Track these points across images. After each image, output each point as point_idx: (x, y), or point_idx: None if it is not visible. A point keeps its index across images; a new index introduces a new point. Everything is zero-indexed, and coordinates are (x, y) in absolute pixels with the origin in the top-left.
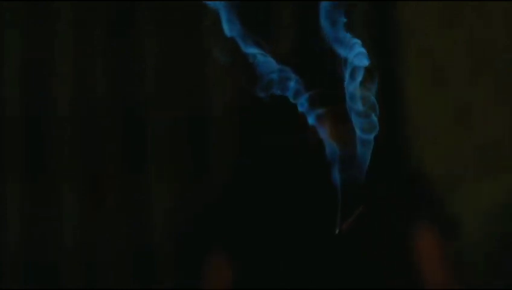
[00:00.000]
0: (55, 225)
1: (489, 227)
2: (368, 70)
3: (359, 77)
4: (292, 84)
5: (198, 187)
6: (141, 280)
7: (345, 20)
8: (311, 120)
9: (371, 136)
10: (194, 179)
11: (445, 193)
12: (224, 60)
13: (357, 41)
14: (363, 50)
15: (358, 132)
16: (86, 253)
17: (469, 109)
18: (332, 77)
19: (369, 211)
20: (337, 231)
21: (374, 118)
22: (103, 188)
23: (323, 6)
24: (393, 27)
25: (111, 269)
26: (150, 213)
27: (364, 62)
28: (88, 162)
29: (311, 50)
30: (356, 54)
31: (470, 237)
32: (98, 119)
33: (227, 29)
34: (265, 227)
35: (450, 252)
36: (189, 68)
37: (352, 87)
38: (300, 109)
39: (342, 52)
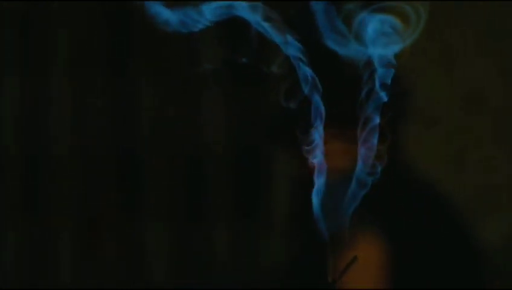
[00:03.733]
0: (51, 265)
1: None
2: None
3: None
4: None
5: (194, 228)
6: None
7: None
8: (316, 138)
9: (369, 180)
10: (190, 220)
11: None
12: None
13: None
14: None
15: (359, 171)
16: None
17: (465, 148)
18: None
19: None
20: (330, 281)
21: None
22: (100, 230)
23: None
24: None
25: None
26: (146, 253)
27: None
28: (84, 203)
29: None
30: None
31: None
32: (94, 160)
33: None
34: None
35: None
36: (185, 109)
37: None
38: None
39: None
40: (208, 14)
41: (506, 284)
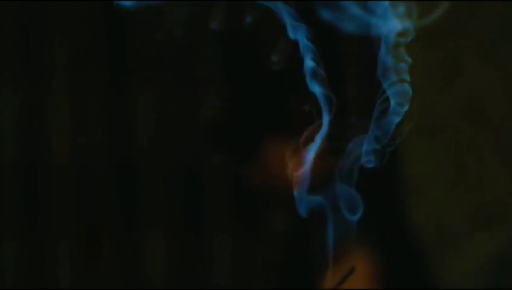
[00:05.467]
0: (49, 274)
1: (483, 282)
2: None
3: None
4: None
5: (193, 239)
6: None
7: None
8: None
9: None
10: (189, 231)
11: (439, 249)
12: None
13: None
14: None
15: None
16: None
17: (465, 159)
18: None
19: None
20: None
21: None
22: (99, 239)
23: None
24: None
25: None
26: (145, 263)
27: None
28: (83, 212)
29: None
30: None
31: None
32: (92, 170)
33: None
34: None
35: None
36: (184, 120)
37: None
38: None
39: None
40: None
41: None
